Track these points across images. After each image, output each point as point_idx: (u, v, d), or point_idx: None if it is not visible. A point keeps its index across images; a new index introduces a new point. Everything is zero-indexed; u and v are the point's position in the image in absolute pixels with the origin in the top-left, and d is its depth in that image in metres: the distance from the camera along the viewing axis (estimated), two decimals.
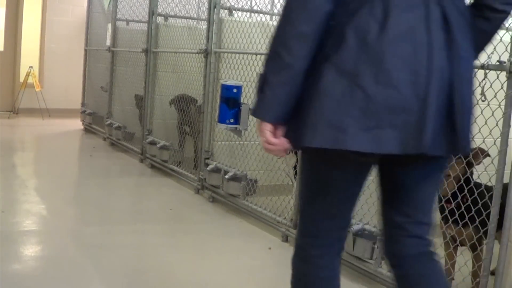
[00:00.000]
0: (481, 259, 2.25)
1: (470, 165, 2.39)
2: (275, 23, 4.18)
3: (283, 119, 1.30)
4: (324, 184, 1.41)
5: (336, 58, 1.24)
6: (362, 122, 1.21)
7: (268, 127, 1.31)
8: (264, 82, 1.31)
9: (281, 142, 1.32)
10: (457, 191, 2.37)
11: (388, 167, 1.43)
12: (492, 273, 2.12)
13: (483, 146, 2.26)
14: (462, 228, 2.37)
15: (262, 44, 3.99)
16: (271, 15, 4.43)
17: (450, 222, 2.40)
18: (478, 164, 2.39)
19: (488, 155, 2.35)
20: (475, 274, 2.35)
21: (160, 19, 5.28)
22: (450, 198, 2.39)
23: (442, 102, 1.25)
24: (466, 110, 1.31)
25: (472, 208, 2.30)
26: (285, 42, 1.26)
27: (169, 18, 5.29)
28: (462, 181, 2.36)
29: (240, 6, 4.21)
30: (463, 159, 2.39)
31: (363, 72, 1.21)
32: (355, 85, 1.22)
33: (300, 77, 1.27)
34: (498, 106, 2.14)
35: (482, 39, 1.44)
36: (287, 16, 1.28)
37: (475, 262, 2.35)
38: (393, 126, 1.22)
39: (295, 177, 3.24)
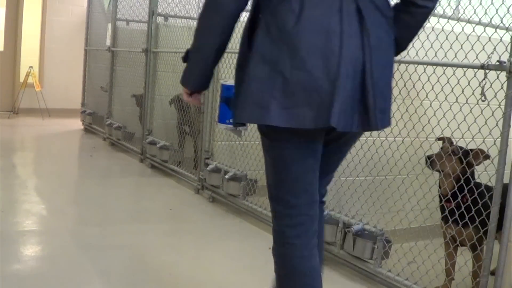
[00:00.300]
0: (481, 259, 2.26)
1: (470, 165, 2.39)
2: None
3: (197, 88, 1.68)
4: (282, 162, 1.57)
5: (260, 48, 1.46)
6: (282, 101, 1.41)
7: (186, 91, 1.69)
8: (187, 57, 1.63)
9: (194, 99, 1.72)
10: (457, 191, 2.38)
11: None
12: (492, 273, 2.12)
13: (483, 146, 2.26)
14: (462, 228, 2.37)
15: None
16: None
17: (450, 222, 2.40)
18: (478, 165, 2.39)
19: (488, 157, 2.35)
20: (475, 274, 2.35)
21: (160, 19, 5.28)
22: (450, 198, 2.39)
23: (354, 85, 1.44)
24: (379, 92, 1.48)
25: (472, 208, 2.31)
26: (201, 31, 1.57)
27: (169, 18, 5.29)
28: (462, 181, 2.37)
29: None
30: (463, 158, 2.40)
31: (282, 59, 1.41)
32: (275, 70, 1.42)
33: (210, 59, 1.58)
34: (498, 106, 2.14)
35: (408, 32, 1.65)
36: (203, 11, 1.55)
37: (475, 262, 2.35)
38: (307, 104, 1.41)
39: None
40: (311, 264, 1.60)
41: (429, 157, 2.47)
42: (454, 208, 2.37)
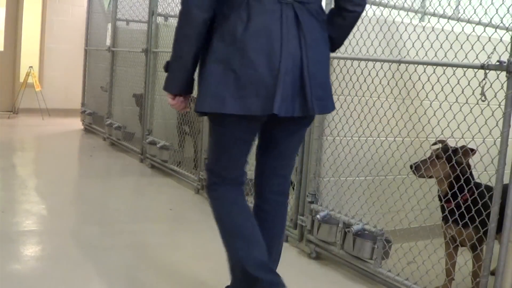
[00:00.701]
0: (481, 259, 2.26)
1: (459, 164, 2.39)
2: None
3: (178, 92, 1.87)
4: (222, 145, 1.92)
5: (216, 51, 1.76)
6: (234, 94, 1.72)
7: (170, 95, 1.88)
8: (168, 66, 1.86)
9: (177, 103, 1.89)
10: (457, 191, 2.38)
11: (269, 127, 1.92)
12: (492, 273, 2.12)
13: (483, 146, 2.26)
14: (462, 228, 2.37)
15: None
16: None
17: (450, 222, 2.40)
18: (467, 163, 2.39)
19: (475, 152, 2.37)
20: (475, 274, 2.35)
21: (160, 19, 5.28)
22: (450, 198, 2.39)
23: (294, 78, 1.75)
24: (316, 83, 1.79)
25: (472, 208, 2.31)
26: (178, 41, 1.81)
27: (169, 18, 5.29)
28: (460, 181, 2.37)
29: None
30: (452, 156, 2.40)
31: (234, 59, 1.72)
32: (228, 69, 1.73)
33: (188, 65, 1.80)
34: (498, 106, 2.14)
35: (342, 32, 1.99)
36: (179, 23, 1.79)
37: (475, 262, 2.35)
38: (255, 95, 1.72)
39: None
40: (243, 208, 1.96)
41: (411, 166, 2.51)
42: (454, 208, 2.37)
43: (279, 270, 2.82)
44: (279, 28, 1.73)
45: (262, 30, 1.72)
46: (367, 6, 2.86)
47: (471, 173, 2.42)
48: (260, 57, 1.71)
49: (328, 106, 1.89)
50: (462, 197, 2.36)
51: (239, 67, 1.72)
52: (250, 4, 1.74)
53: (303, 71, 1.76)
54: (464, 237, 2.36)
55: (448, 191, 2.41)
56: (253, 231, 1.92)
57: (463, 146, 2.41)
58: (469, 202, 2.32)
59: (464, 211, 2.33)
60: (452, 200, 2.39)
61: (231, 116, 1.75)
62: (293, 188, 3.30)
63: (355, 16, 1.93)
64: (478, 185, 2.34)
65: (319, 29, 1.83)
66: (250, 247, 1.88)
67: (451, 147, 2.45)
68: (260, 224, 1.96)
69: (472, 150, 2.39)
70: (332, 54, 2.86)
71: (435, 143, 2.57)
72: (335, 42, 1.98)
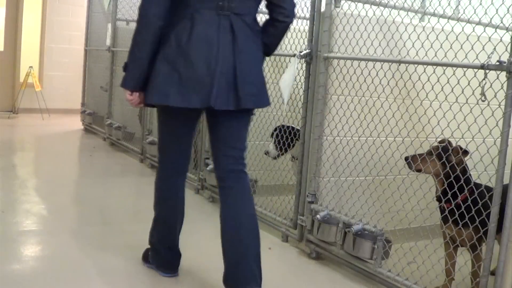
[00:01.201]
0: (481, 259, 2.26)
1: (450, 162, 2.40)
2: None
3: (135, 88, 2.19)
4: (168, 128, 2.32)
5: (165, 53, 2.11)
6: (178, 90, 2.08)
7: (127, 92, 2.20)
8: (126, 66, 2.18)
9: (134, 98, 2.21)
10: (457, 191, 2.38)
11: (213, 118, 2.28)
12: (492, 273, 2.12)
13: (483, 146, 2.26)
14: (462, 228, 2.37)
15: None
16: None
17: (450, 222, 2.40)
18: (458, 162, 2.39)
19: (467, 152, 2.39)
20: (475, 274, 2.35)
21: None
22: (450, 198, 2.39)
23: (228, 78, 2.09)
24: (248, 82, 2.14)
25: (472, 208, 2.31)
26: (136, 44, 2.13)
27: None
28: (457, 180, 2.36)
29: None
30: (443, 154, 2.41)
31: (178, 62, 2.08)
32: (174, 69, 2.08)
33: (144, 65, 2.12)
34: (498, 106, 2.14)
35: (274, 39, 2.31)
36: (137, 29, 2.12)
37: (475, 262, 2.35)
38: (195, 91, 2.07)
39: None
40: (180, 192, 2.43)
41: (406, 158, 2.53)
42: (454, 209, 2.37)
43: (278, 272, 2.83)
44: (217, 36, 2.09)
45: (202, 38, 2.08)
46: (367, 6, 2.87)
47: (464, 172, 2.41)
48: (200, 60, 2.07)
49: (261, 101, 2.25)
50: (461, 197, 2.36)
51: (182, 68, 2.07)
52: (193, 15, 2.09)
53: (236, 72, 2.10)
54: (463, 237, 2.36)
55: (448, 190, 2.40)
56: (176, 222, 2.48)
57: (456, 146, 2.42)
58: (469, 202, 2.32)
59: (464, 212, 2.33)
60: (452, 201, 2.39)
61: (175, 107, 2.12)
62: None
63: (285, 26, 2.28)
64: (477, 186, 2.34)
65: (252, 37, 2.18)
66: (168, 232, 2.49)
67: (447, 146, 2.45)
68: (225, 200, 2.29)
69: (463, 149, 2.39)
70: (332, 54, 2.87)
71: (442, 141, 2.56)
72: (269, 48, 2.32)
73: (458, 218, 2.36)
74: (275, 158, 3.58)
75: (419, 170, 2.51)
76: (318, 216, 2.83)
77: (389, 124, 2.88)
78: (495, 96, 2.13)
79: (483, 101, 2.07)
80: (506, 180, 2.06)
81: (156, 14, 2.07)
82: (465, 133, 2.34)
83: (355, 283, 2.65)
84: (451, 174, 2.40)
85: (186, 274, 2.63)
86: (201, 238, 3.19)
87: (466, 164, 2.42)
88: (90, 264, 2.62)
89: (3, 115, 7.81)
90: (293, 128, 3.46)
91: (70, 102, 8.24)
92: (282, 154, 3.54)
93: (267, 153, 3.51)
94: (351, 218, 2.72)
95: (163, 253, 2.51)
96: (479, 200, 2.29)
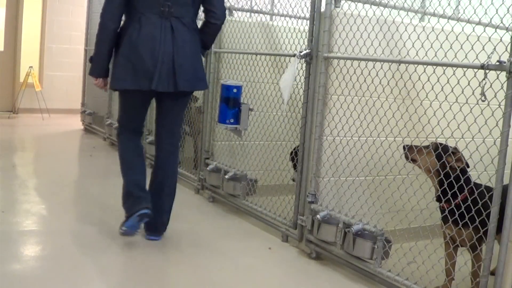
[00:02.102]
0: (481, 259, 2.26)
1: (440, 158, 2.43)
2: (275, 23, 4.18)
3: (99, 75, 2.91)
4: (126, 104, 2.98)
5: (121, 49, 2.78)
6: (132, 77, 2.75)
7: (93, 78, 2.94)
8: (92, 59, 2.90)
9: (99, 82, 2.95)
10: (457, 191, 2.38)
11: (160, 103, 2.98)
12: (492, 273, 2.12)
13: (483, 146, 2.26)
14: (461, 228, 2.37)
15: (262, 44, 3.99)
16: (271, 15, 4.43)
17: (450, 222, 2.40)
18: (452, 166, 2.40)
19: (463, 162, 2.41)
20: (475, 274, 2.35)
21: None
22: (450, 198, 2.39)
23: (168, 67, 2.76)
24: (183, 70, 2.80)
25: (472, 208, 2.31)
26: (97, 42, 2.85)
27: None
28: (462, 181, 2.36)
29: (240, 6, 4.21)
30: (433, 152, 2.43)
31: (131, 55, 2.75)
32: (128, 61, 2.75)
33: (105, 58, 2.85)
34: (498, 106, 2.14)
35: (209, 37, 3.02)
36: (98, 31, 2.82)
37: (475, 262, 2.35)
38: (144, 78, 2.75)
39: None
40: (138, 150, 3.04)
41: (404, 147, 2.57)
42: (454, 209, 2.37)
43: (278, 272, 2.83)
44: (159, 35, 2.76)
45: (148, 36, 2.75)
46: (367, 6, 2.87)
47: (462, 171, 2.41)
48: (147, 54, 2.73)
49: (196, 85, 2.91)
50: (461, 197, 2.36)
51: (134, 60, 2.74)
52: (141, 19, 2.77)
53: (174, 63, 2.77)
54: (463, 237, 2.36)
55: (448, 190, 2.40)
56: (139, 165, 3.00)
57: (459, 155, 2.42)
58: (469, 202, 2.32)
59: (464, 212, 2.33)
60: (452, 201, 2.39)
61: (131, 90, 2.81)
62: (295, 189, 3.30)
63: (216, 27, 2.96)
64: (477, 186, 2.34)
65: (188, 35, 2.83)
66: (134, 173, 2.95)
67: (447, 146, 2.47)
68: (157, 166, 3.04)
69: (465, 162, 2.41)
70: (332, 54, 2.87)
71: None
72: (206, 44, 3.04)
73: (458, 218, 2.36)
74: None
75: (414, 160, 2.55)
76: (318, 216, 2.83)
77: (389, 124, 2.88)
78: (495, 96, 2.13)
79: (483, 101, 2.07)
80: (506, 180, 2.05)
81: (110, 19, 2.78)
82: (465, 133, 2.34)
83: (355, 283, 2.65)
84: (443, 173, 2.41)
85: (185, 274, 2.63)
86: (201, 239, 3.19)
87: (466, 164, 2.42)
88: (90, 264, 2.62)
89: (3, 115, 7.81)
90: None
91: (70, 102, 8.23)
92: None
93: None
94: (351, 218, 2.72)
95: (134, 193, 2.91)
96: (479, 200, 2.29)
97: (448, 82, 2.45)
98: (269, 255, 2.99)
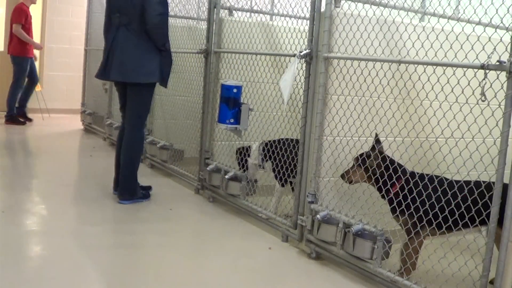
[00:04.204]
0: (411, 246, 2.49)
1: (371, 166, 2.69)
2: (275, 23, 4.18)
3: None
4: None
5: (104, 49, 3.79)
6: (101, 69, 3.75)
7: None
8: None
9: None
10: (403, 185, 2.60)
11: (125, 91, 3.79)
12: (491, 282, 2.12)
13: (483, 146, 2.27)
14: (398, 215, 2.58)
15: (262, 44, 3.99)
16: (271, 15, 4.43)
17: (398, 212, 2.60)
18: (378, 163, 2.65)
19: (378, 141, 2.74)
20: (403, 261, 2.55)
21: None
22: (390, 188, 2.63)
23: (115, 63, 3.62)
24: (123, 64, 3.61)
25: (408, 196, 2.54)
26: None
27: (169, 18, 5.27)
28: (396, 172, 2.61)
29: (240, 6, 4.21)
30: (355, 165, 2.73)
31: (104, 54, 3.74)
32: (104, 58, 3.74)
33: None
34: (498, 106, 2.14)
35: (153, 37, 3.61)
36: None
37: (409, 245, 2.52)
38: (107, 70, 3.69)
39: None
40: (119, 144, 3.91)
41: (342, 176, 2.81)
42: (401, 200, 2.57)
43: (278, 272, 2.83)
44: (112, 38, 3.66)
45: (108, 40, 3.72)
46: (367, 6, 2.87)
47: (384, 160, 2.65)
48: (105, 52, 3.70)
49: (130, 77, 3.63)
50: (393, 187, 2.62)
51: (104, 57, 3.70)
52: (109, 29, 3.73)
53: (118, 59, 3.61)
54: (400, 223, 2.61)
55: (382, 187, 2.65)
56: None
57: (376, 147, 2.69)
58: (406, 191, 2.56)
59: (402, 200, 2.58)
60: (391, 191, 2.63)
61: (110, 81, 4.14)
62: (293, 189, 3.30)
63: (150, 29, 3.58)
64: (418, 176, 2.58)
65: (133, 39, 3.61)
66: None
67: (362, 153, 2.74)
68: (122, 139, 3.83)
69: (376, 138, 2.70)
70: (332, 54, 2.87)
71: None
72: (155, 42, 3.63)
73: (396, 206, 2.60)
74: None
75: (352, 182, 2.77)
76: (318, 216, 2.83)
77: (389, 124, 2.87)
78: (495, 96, 2.13)
79: (483, 101, 2.07)
80: (506, 180, 2.05)
81: (104, 29, 3.86)
82: (465, 133, 2.34)
83: (355, 283, 2.65)
84: (390, 166, 2.62)
85: (185, 274, 2.63)
86: (201, 238, 3.19)
87: (387, 156, 2.67)
88: (90, 264, 2.62)
89: (3, 115, 7.81)
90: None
91: (70, 102, 8.23)
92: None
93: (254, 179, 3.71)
94: (351, 218, 2.72)
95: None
96: (413, 188, 2.54)
97: (448, 82, 2.45)
98: (269, 255, 2.99)
